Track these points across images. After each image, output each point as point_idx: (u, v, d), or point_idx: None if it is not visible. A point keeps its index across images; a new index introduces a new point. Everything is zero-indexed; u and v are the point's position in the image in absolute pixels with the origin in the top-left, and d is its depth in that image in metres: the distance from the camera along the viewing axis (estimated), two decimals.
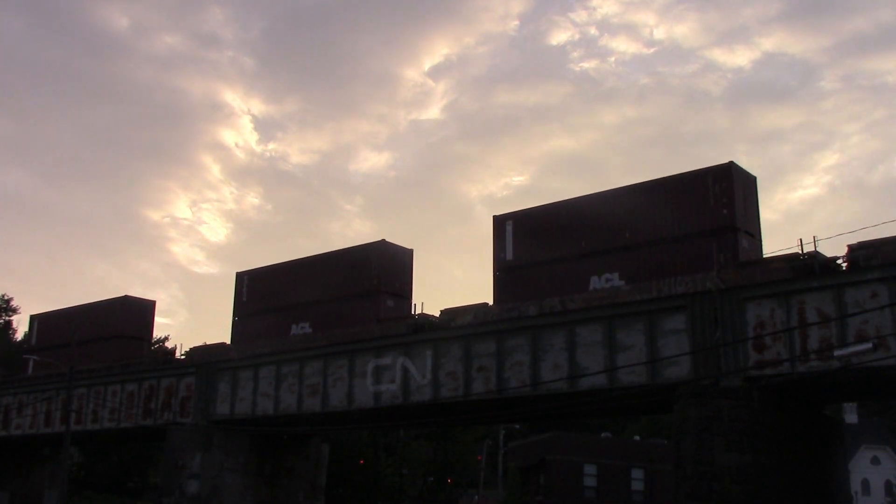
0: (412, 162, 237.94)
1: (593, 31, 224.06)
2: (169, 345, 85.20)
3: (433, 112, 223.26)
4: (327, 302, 38.16)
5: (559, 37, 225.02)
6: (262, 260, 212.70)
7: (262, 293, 41.39)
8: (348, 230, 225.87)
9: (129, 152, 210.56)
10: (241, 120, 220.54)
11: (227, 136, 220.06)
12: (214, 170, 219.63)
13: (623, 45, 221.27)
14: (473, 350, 31.58)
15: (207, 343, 42.00)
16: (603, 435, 75.95)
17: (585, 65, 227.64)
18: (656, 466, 61.56)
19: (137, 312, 48.28)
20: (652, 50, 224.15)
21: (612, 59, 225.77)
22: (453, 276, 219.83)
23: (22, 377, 51.11)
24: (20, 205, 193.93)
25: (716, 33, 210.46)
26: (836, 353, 23.66)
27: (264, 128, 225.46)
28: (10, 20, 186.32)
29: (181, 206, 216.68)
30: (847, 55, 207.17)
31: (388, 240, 37.83)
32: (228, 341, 42.08)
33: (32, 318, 53.23)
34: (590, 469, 63.36)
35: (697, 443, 25.54)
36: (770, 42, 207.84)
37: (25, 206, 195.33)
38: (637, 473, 63.49)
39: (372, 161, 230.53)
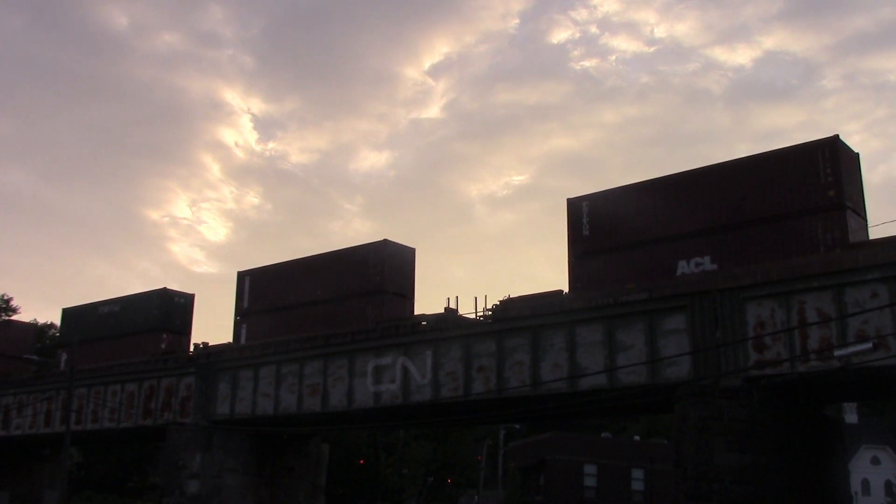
0: (412, 161, 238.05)
1: (594, 29, 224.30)
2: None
3: (433, 111, 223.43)
4: (737, 227, 27.50)
5: (560, 35, 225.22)
6: (263, 260, 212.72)
7: (613, 223, 30.40)
8: (348, 230, 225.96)
9: (129, 151, 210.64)
10: (240, 119, 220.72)
11: (227, 136, 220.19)
12: (214, 169, 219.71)
13: (624, 44, 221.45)
14: (473, 350, 31.60)
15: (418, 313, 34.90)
16: (603, 435, 75.93)
17: (586, 63, 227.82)
18: (656, 466, 61.56)
19: (399, 262, 37.07)
20: (652, 49, 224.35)
21: (613, 57, 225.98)
22: (454, 276, 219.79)
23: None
24: (20, 205, 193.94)
25: (716, 32, 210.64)
26: (836, 353, 23.66)
27: (264, 127, 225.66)
28: (9, 19, 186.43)
29: (181, 206, 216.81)
30: (848, 54, 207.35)
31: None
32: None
33: (241, 274, 42.29)
34: (590, 469, 63.34)
35: (697, 443, 25.55)
36: (771, 40, 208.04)
37: (25, 206, 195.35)
38: (637, 473, 63.48)
39: (372, 160, 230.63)
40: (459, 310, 33.41)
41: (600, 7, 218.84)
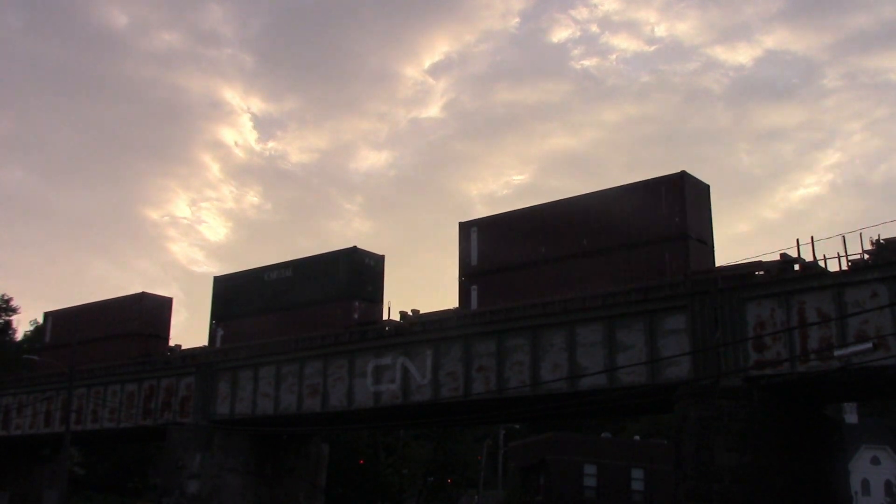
0: (412, 160, 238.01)
1: (594, 28, 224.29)
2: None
3: (433, 110, 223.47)
4: None
5: (560, 34, 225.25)
6: (264, 260, 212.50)
7: None
8: (348, 229, 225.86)
9: (129, 151, 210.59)
10: (240, 118, 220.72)
11: (227, 135, 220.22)
12: (214, 168, 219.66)
13: (624, 43, 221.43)
14: (473, 350, 31.61)
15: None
16: (603, 435, 75.92)
17: (586, 62, 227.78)
18: (656, 466, 61.53)
19: (699, 201, 30.01)
20: (653, 48, 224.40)
21: (613, 56, 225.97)
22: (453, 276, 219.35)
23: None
24: (20, 204, 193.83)
25: (717, 31, 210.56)
26: (836, 353, 23.70)
27: (264, 126, 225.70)
28: (8, 18, 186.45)
29: (180, 205, 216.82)
30: (849, 53, 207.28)
31: None
32: None
33: (466, 225, 34.50)
34: (590, 469, 63.32)
35: (697, 443, 25.57)
36: (772, 39, 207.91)
37: (25, 205, 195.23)
38: (637, 473, 63.45)
39: (372, 160, 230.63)
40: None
41: (601, 6, 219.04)
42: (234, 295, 42.14)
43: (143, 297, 46.33)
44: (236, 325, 41.31)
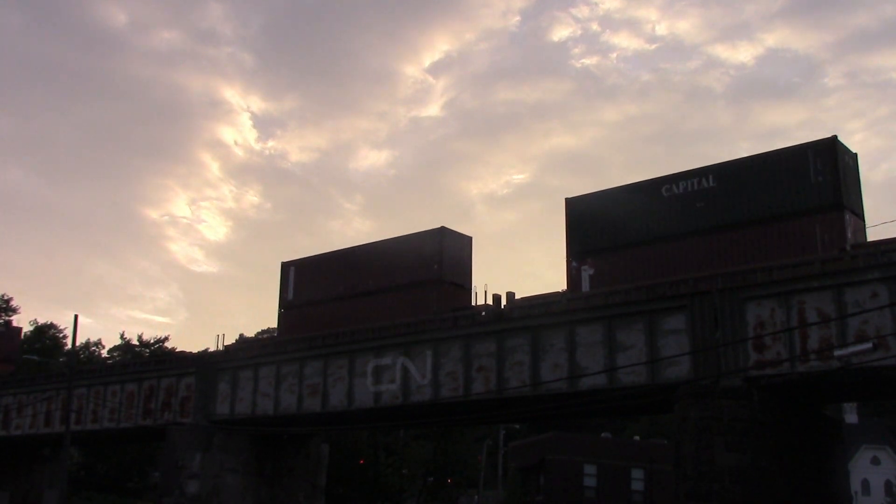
0: (412, 160, 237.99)
1: (595, 27, 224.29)
2: (168, 345, 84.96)
3: (433, 109, 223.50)
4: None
5: (560, 33, 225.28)
6: (264, 259, 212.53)
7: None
8: (348, 229, 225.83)
9: (128, 150, 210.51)
10: (240, 117, 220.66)
11: (227, 134, 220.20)
12: (213, 168, 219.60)
13: (625, 42, 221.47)
14: (473, 350, 31.60)
15: None
16: (603, 435, 75.94)
17: (587, 61, 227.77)
18: (656, 466, 61.52)
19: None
20: (654, 46, 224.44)
21: (614, 55, 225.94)
22: None
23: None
24: (19, 204, 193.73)
25: (718, 29, 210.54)
26: (836, 353, 23.70)
27: (263, 125, 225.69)
28: (8, 17, 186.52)
29: (180, 205, 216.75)
30: (850, 51, 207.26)
31: None
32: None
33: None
34: (590, 469, 63.33)
35: (697, 443, 25.57)
36: (773, 38, 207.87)
37: (24, 204, 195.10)
38: (637, 473, 63.45)
39: (372, 159, 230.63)
40: None
41: (601, 4, 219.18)
42: (604, 221, 31.56)
43: (443, 232, 35.12)
44: (614, 261, 30.66)
